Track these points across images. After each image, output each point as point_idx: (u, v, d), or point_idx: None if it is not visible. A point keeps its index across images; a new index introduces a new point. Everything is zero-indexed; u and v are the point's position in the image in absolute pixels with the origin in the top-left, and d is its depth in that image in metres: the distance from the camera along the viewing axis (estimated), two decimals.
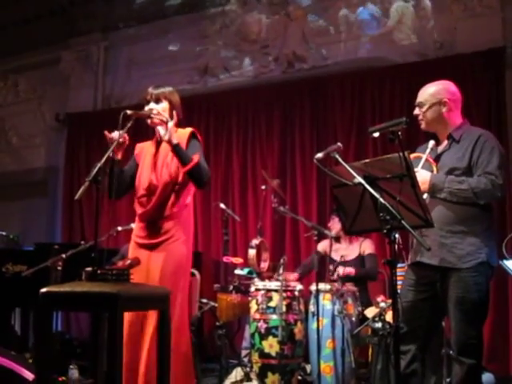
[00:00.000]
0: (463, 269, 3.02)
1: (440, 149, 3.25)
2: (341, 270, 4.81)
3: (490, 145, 3.11)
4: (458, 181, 3.05)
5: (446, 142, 3.25)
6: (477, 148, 3.11)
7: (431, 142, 3.26)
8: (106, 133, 3.33)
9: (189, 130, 3.53)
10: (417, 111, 3.28)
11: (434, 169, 3.18)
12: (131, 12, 7.79)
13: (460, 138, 3.18)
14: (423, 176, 3.04)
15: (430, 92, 3.26)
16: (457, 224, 3.07)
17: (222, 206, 5.51)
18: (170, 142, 3.34)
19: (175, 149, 3.34)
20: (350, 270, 4.97)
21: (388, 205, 2.67)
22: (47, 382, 2.67)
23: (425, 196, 2.96)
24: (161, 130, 3.41)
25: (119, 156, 3.39)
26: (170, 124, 3.39)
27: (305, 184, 6.40)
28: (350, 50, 6.55)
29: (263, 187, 5.40)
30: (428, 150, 3.23)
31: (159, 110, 3.49)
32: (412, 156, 3.12)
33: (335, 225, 5.27)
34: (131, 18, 7.80)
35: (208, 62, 7.30)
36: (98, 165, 2.94)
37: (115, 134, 3.30)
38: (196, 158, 3.35)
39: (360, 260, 5.20)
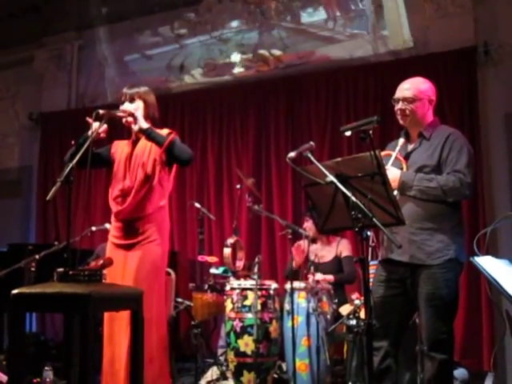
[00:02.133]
0: (432, 265, 3.08)
1: (410, 147, 3.30)
2: (320, 276, 4.82)
3: (459, 143, 3.17)
4: (427, 179, 3.10)
5: (416, 140, 3.29)
6: (446, 146, 3.17)
7: (401, 140, 3.30)
8: (89, 119, 3.32)
9: (166, 131, 3.53)
10: (402, 106, 3.27)
11: (404, 166, 3.22)
12: (105, 11, 7.73)
13: (430, 137, 3.24)
14: (393, 174, 3.08)
15: (421, 89, 3.28)
16: (426, 221, 3.12)
17: (197, 205, 5.52)
18: (141, 129, 3.35)
19: (147, 132, 3.36)
20: (330, 278, 4.98)
21: (360, 203, 2.69)
22: None
23: (395, 193, 2.99)
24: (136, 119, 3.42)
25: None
26: (138, 112, 3.40)
27: (280, 182, 6.41)
28: (324, 49, 6.56)
29: (238, 186, 5.41)
30: (398, 148, 3.27)
31: (133, 109, 3.48)
32: (382, 154, 3.15)
33: (310, 226, 5.26)
34: (105, 16, 7.74)
35: (183, 60, 7.27)
36: (70, 165, 2.93)
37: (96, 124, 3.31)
38: (171, 136, 3.36)
39: (337, 262, 5.21)
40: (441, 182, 3.07)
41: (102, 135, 3.38)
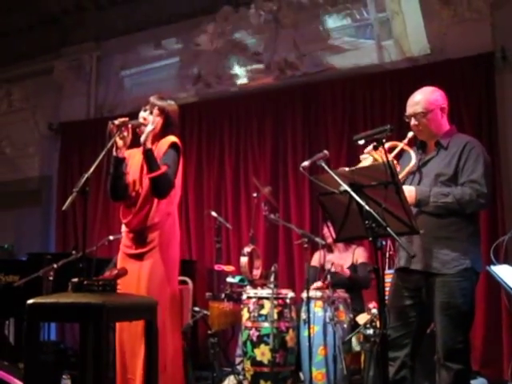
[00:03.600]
0: (448, 274, 3.05)
1: (428, 156, 3.27)
2: (337, 266, 4.80)
3: (475, 152, 3.14)
4: (442, 194, 3.07)
5: (433, 149, 3.26)
6: (463, 155, 3.14)
7: (410, 133, 3.26)
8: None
9: (171, 139, 3.52)
10: (415, 122, 3.23)
11: (412, 155, 3.19)
12: (123, 21, 7.80)
13: (448, 145, 3.21)
14: (408, 191, 3.04)
15: (430, 100, 3.24)
16: (442, 230, 3.09)
17: (214, 214, 5.51)
18: (144, 144, 3.35)
19: (146, 153, 3.36)
20: (346, 271, 4.96)
21: (373, 212, 2.68)
22: None
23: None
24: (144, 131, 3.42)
25: (123, 155, 3.42)
26: (149, 127, 3.40)
27: (297, 191, 6.39)
28: (340, 57, 6.55)
29: (255, 195, 5.41)
30: (405, 140, 3.24)
31: (151, 120, 3.49)
32: (389, 144, 3.15)
33: (330, 232, 5.23)
34: (123, 26, 7.81)
35: (200, 69, 7.30)
36: (86, 175, 2.94)
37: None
38: (164, 168, 3.36)
39: (353, 270, 5.17)
40: (457, 196, 3.04)
41: (126, 140, 3.40)
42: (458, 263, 3.05)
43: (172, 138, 3.51)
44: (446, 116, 3.30)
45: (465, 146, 3.17)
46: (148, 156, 3.36)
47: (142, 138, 3.37)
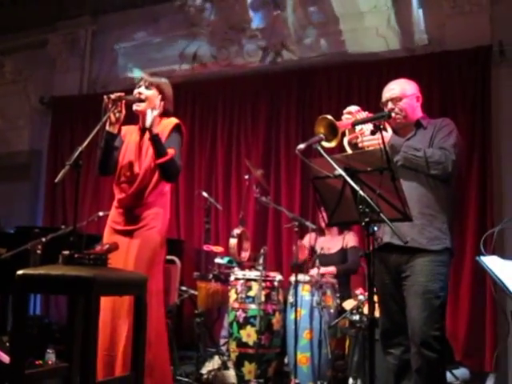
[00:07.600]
0: (430, 252, 3.06)
1: (406, 137, 3.27)
2: (322, 269, 4.80)
3: (449, 128, 3.22)
4: (414, 147, 3.12)
5: (411, 130, 3.29)
6: (438, 129, 3.21)
7: (393, 113, 3.27)
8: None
9: (174, 121, 3.51)
10: (391, 106, 3.28)
11: (389, 130, 3.23)
12: None
13: (427, 126, 3.27)
14: (384, 135, 3.02)
15: (405, 87, 3.33)
16: (426, 207, 3.12)
17: (205, 194, 5.51)
18: (150, 130, 3.33)
19: (153, 138, 3.35)
20: (332, 270, 4.98)
21: (367, 197, 2.68)
22: (22, 365, 2.67)
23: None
24: (148, 115, 3.38)
25: (116, 130, 3.40)
26: (155, 112, 3.38)
27: (289, 175, 6.39)
28: (338, 43, 6.53)
29: (246, 177, 5.40)
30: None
31: (147, 95, 3.47)
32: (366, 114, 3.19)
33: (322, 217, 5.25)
34: (120, 2, 7.73)
35: (196, 49, 7.26)
36: (80, 149, 2.92)
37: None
38: (171, 152, 3.35)
39: (342, 253, 5.20)
40: (427, 154, 3.08)
41: (119, 116, 3.37)
42: (440, 242, 3.09)
43: (174, 120, 3.50)
44: (420, 106, 3.36)
45: (440, 123, 3.26)
46: (155, 141, 3.34)
47: (148, 123, 3.35)
